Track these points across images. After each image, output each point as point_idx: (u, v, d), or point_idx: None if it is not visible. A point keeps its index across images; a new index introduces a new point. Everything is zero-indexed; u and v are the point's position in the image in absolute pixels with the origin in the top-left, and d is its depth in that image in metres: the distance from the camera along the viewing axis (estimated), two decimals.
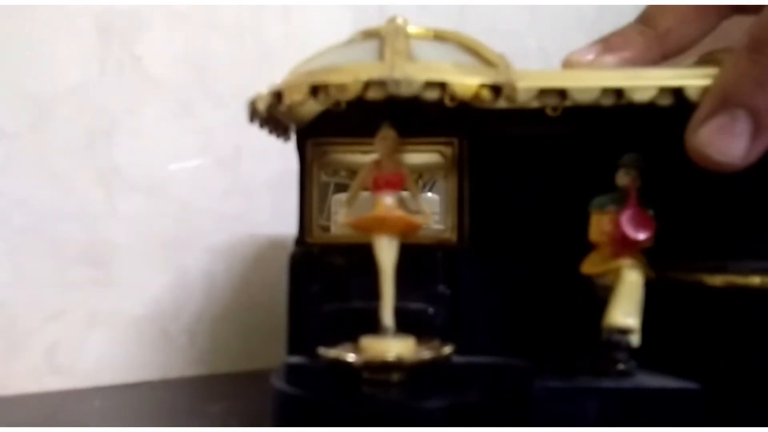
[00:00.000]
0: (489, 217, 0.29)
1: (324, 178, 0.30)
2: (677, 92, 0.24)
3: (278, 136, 0.30)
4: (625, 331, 0.25)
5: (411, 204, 0.27)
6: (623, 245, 0.26)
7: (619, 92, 0.24)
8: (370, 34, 0.27)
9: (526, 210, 0.29)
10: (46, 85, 0.40)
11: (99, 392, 0.39)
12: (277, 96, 0.25)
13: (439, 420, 0.23)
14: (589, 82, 0.25)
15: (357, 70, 0.24)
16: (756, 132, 0.23)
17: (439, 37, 0.28)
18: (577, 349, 0.27)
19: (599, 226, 0.27)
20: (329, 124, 0.28)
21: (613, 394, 0.25)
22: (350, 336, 0.26)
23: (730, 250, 0.26)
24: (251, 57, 0.46)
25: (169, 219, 0.43)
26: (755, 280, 0.25)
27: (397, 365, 0.24)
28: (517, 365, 0.27)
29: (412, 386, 0.25)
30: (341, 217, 0.29)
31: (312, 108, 0.28)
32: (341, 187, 0.30)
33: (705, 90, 0.24)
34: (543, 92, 0.25)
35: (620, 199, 0.26)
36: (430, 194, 0.33)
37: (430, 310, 0.28)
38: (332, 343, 0.26)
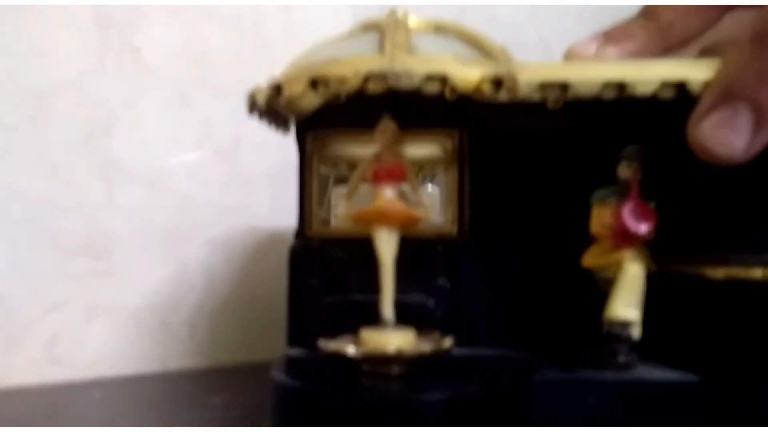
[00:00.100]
0: (489, 210, 0.29)
1: (324, 170, 0.30)
2: (679, 85, 0.24)
3: (278, 128, 0.30)
4: (626, 324, 0.25)
5: (411, 196, 0.27)
6: (624, 238, 0.26)
7: (621, 85, 0.24)
8: (370, 27, 0.27)
9: (526, 202, 0.29)
10: (45, 78, 0.40)
11: (99, 384, 0.39)
12: (277, 88, 0.25)
13: (439, 413, 0.23)
14: (591, 75, 0.24)
15: (357, 63, 0.24)
16: (758, 125, 0.23)
17: (440, 29, 0.27)
18: (578, 342, 0.27)
19: (600, 218, 0.26)
20: (329, 116, 0.28)
21: (614, 387, 0.25)
22: (350, 328, 0.26)
23: (731, 242, 0.26)
24: (251, 49, 0.46)
25: (168, 211, 0.43)
26: (757, 272, 0.25)
27: (397, 358, 0.24)
28: (518, 358, 0.27)
29: (412, 379, 0.25)
30: (341, 210, 0.29)
31: (312, 100, 0.28)
32: (341, 180, 0.29)
33: (707, 83, 0.24)
34: (544, 85, 0.24)
35: (621, 192, 0.26)
36: (430, 187, 0.32)
37: (430, 302, 0.28)
38: (332, 335, 0.26)
